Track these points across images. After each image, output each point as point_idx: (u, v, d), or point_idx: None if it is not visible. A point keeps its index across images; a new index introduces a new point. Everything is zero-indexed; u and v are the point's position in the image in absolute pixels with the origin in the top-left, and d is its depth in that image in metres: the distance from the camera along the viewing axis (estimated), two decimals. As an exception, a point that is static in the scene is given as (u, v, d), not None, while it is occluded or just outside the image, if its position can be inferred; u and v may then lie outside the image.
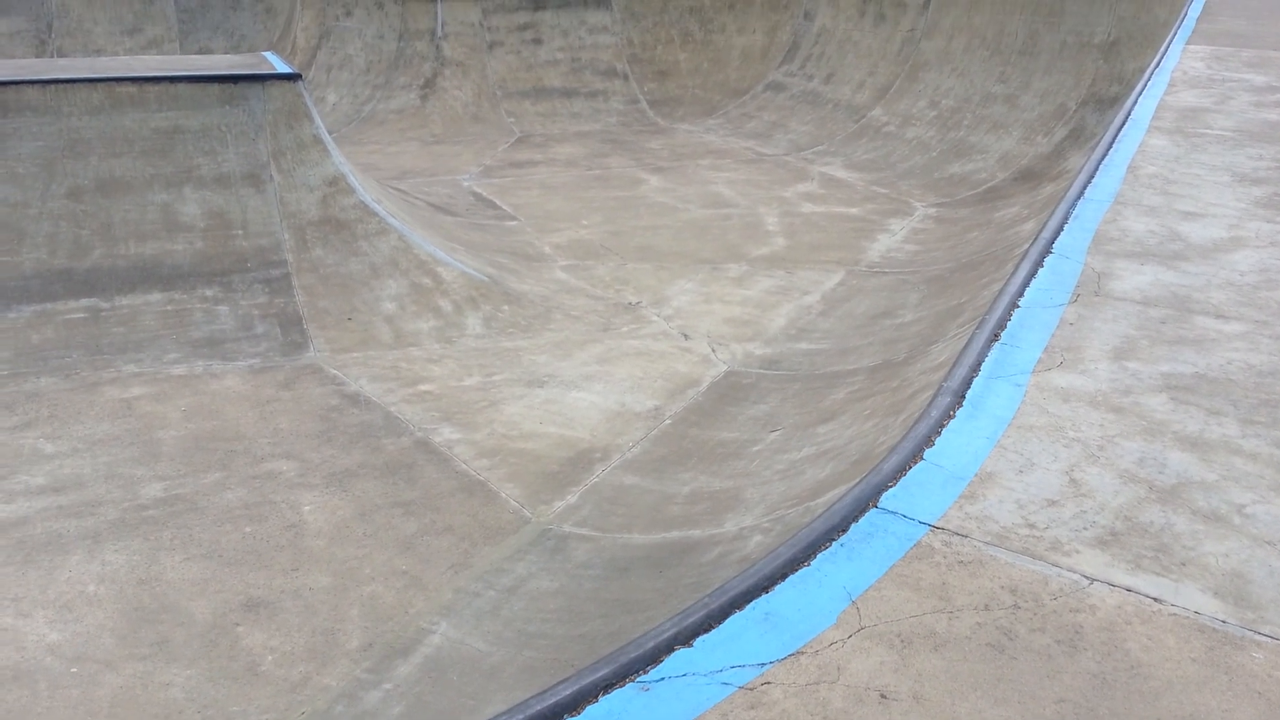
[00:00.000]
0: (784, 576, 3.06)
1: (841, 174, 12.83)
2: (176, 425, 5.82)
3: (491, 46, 17.50)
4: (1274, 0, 14.07)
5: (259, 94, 8.37)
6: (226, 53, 19.46)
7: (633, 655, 2.74)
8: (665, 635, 2.81)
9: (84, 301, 7.19)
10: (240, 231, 7.83)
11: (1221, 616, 2.80)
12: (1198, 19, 11.55)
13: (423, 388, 6.37)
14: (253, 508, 4.96)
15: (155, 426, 5.80)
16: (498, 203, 11.31)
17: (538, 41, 17.81)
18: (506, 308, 7.70)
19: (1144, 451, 3.63)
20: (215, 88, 8.28)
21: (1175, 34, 10.74)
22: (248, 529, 4.77)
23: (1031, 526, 3.22)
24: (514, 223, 10.44)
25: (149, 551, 4.57)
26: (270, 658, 3.91)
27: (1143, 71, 9.71)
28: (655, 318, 7.70)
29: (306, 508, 4.97)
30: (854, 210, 10.98)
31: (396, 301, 7.57)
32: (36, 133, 7.75)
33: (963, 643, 2.70)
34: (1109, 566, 3.02)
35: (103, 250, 7.49)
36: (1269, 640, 2.71)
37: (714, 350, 7.05)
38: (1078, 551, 3.09)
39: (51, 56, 19.28)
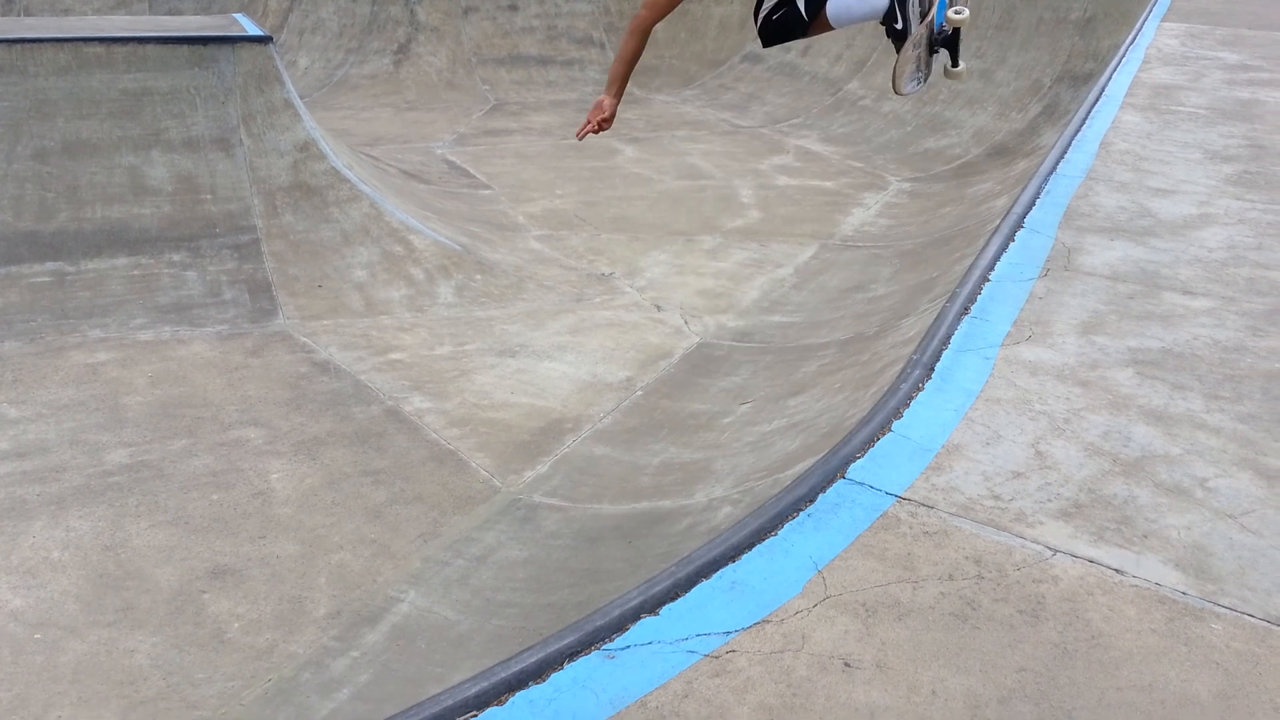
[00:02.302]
0: (751, 546, 3.07)
1: (817, 147, 12.81)
2: (143, 391, 5.75)
3: (467, 12, 17.30)
4: (1249, -21, 14.14)
5: (229, 56, 8.23)
6: (196, 14, 19.10)
7: (599, 624, 2.74)
8: (632, 604, 2.82)
9: (49, 265, 7.08)
10: (209, 196, 7.72)
11: (1182, 588, 2.84)
12: (1173, -4, 11.61)
13: (393, 356, 6.33)
14: (220, 475, 4.92)
15: (121, 392, 5.73)
16: (471, 171, 11.22)
17: (514, 8, 17.62)
18: (479, 277, 7.66)
19: (1109, 425, 3.67)
20: (184, 49, 8.13)
21: (1150, 11, 10.78)
22: (214, 496, 4.74)
23: (997, 498, 3.25)
24: (487, 191, 10.36)
25: (114, 518, 4.53)
26: (236, 625, 3.89)
27: (1118, 48, 9.74)
28: (628, 289, 7.68)
29: (274, 475, 4.94)
30: (828, 184, 10.97)
31: (368, 269, 7.50)
32: (2, 93, 7.58)
33: (926, 612, 2.72)
34: (1072, 538, 3.05)
35: (69, 213, 7.36)
36: (1228, 612, 2.74)
37: (686, 322, 7.05)
38: (1041, 523, 3.12)
39: (18, 15, 18.87)
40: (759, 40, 4.38)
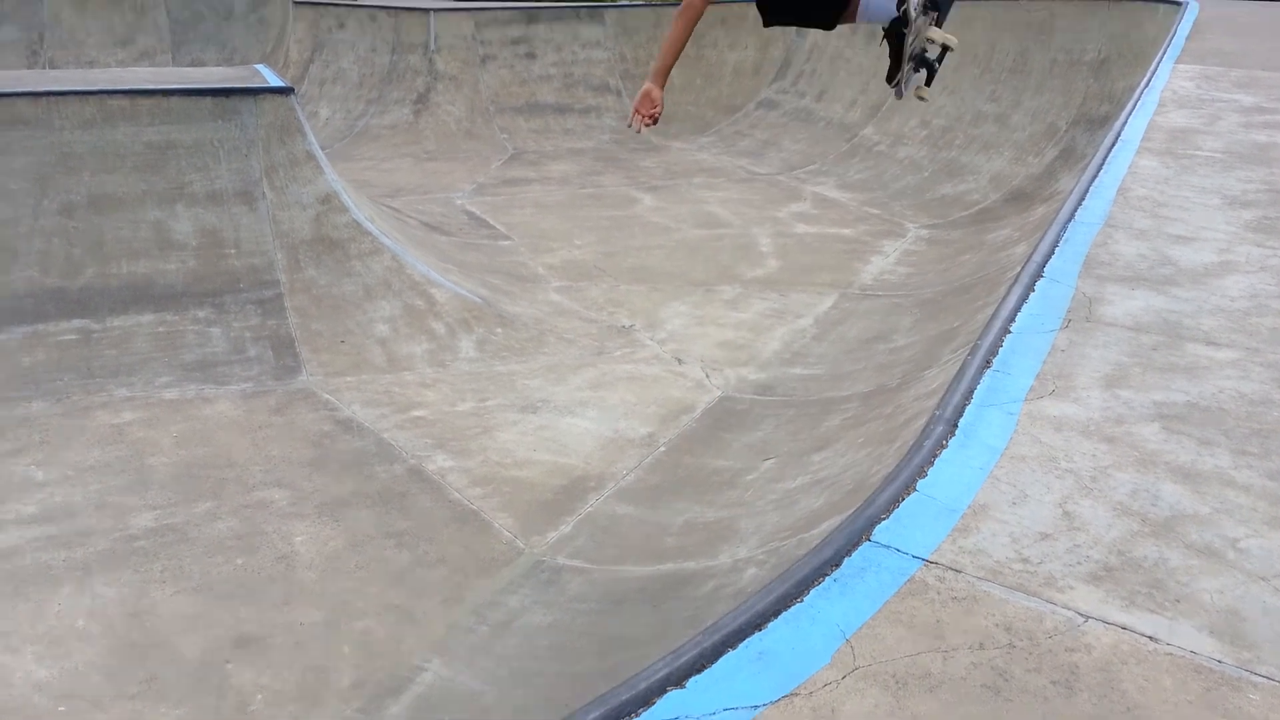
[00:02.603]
0: (777, 613, 3.04)
1: (834, 194, 12.86)
2: (168, 452, 5.79)
3: (484, 60, 17.53)
4: (1261, 19, 14.17)
5: (251, 108, 8.34)
6: (219, 65, 19.45)
7: (624, 697, 2.71)
8: (658, 676, 2.79)
9: (76, 322, 7.15)
10: (233, 250, 7.80)
11: (1217, 656, 2.79)
12: (1187, 37, 11.60)
13: (416, 413, 6.35)
14: (244, 538, 4.93)
15: (146, 453, 5.77)
16: (491, 221, 11.31)
17: (531, 56, 17.84)
18: (500, 330, 7.69)
19: (1137, 483, 3.62)
20: (208, 101, 8.23)
21: (1165, 52, 10.79)
22: (239, 561, 4.75)
23: (1025, 561, 3.21)
24: (507, 242, 10.44)
25: (139, 584, 4.55)
26: (260, 696, 3.88)
27: (1133, 90, 9.75)
28: (649, 341, 7.69)
29: (299, 538, 4.95)
30: (847, 231, 11.00)
31: (389, 324, 7.55)
32: (29, 146, 7.67)
33: (958, 684, 2.68)
34: (1103, 603, 3.01)
35: (95, 269, 7.45)
36: (1265, 681, 2.69)
37: (708, 375, 7.05)
38: (1072, 588, 3.08)
39: (43, 68, 19.25)
40: (760, 17, 4.39)
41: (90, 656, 4.07)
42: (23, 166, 7.59)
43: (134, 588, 4.52)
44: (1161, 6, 12.71)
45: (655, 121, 4.34)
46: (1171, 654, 2.79)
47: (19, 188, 7.55)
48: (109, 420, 6.18)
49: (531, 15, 18.46)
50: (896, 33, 4.20)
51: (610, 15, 18.95)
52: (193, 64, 19.81)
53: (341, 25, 18.80)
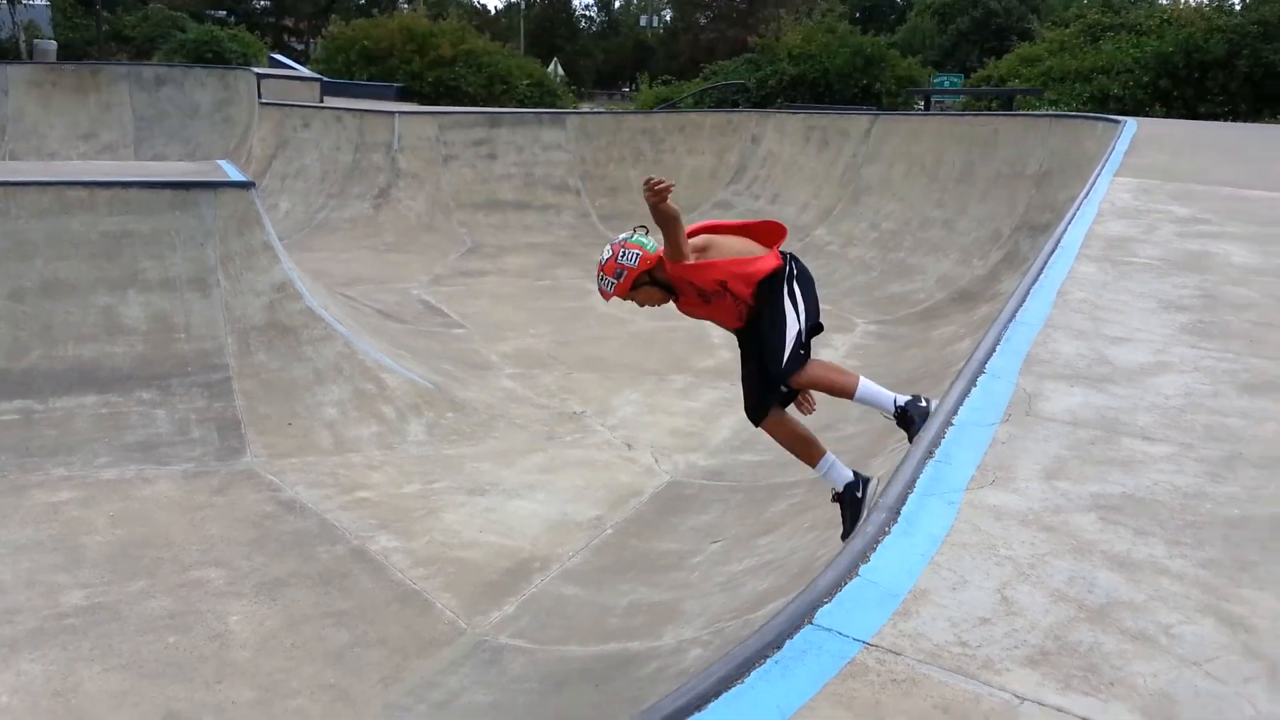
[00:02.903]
0: (717, 694, 3.01)
1: (786, 291, 13.08)
2: (103, 531, 5.67)
3: (446, 160, 17.82)
4: (1195, 135, 14.82)
5: (210, 200, 8.40)
6: (182, 160, 19.59)
7: (562, 775, 2.68)
8: (596, 755, 2.76)
9: (17, 403, 7.04)
10: (183, 335, 7.77)
11: (1150, 738, 2.80)
12: (1125, 152, 12.10)
13: (361, 494, 6.29)
14: (177, 617, 4.81)
15: (80, 532, 5.64)
16: (446, 310, 11.36)
17: (492, 156, 18.18)
18: (450, 415, 7.68)
19: (1073, 570, 3.67)
20: (167, 193, 8.30)
21: (1103, 166, 11.23)
22: (171, 639, 4.62)
23: (964, 645, 3.22)
24: (461, 330, 10.49)
25: (67, 662, 4.40)
26: (186, 776, 3.75)
27: (1073, 200, 10.11)
28: (599, 427, 7.71)
29: (234, 618, 4.83)
30: (798, 326, 11.16)
31: (338, 407, 7.51)
32: (-17, 233, 7.68)
33: (896, 763, 2.67)
34: (1039, 686, 3.02)
35: (40, 351, 7.37)
36: (1196, 762, 2.71)
37: (657, 460, 7.07)
38: (1009, 670, 3.09)
39: (4, 159, 19.26)
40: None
41: (9, 735, 3.93)
42: (-25, 253, 7.57)
43: (61, 665, 4.37)
44: (1100, 124, 13.29)
45: (666, 195, 4.24)
46: (1106, 735, 2.81)
47: (-31, 272, 7.51)
48: (44, 499, 6.05)
49: (494, 119, 18.88)
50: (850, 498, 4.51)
51: (571, 120, 19.44)
52: (155, 158, 19.93)
53: (306, 125, 19.09)
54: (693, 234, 4.27)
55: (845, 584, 3.58)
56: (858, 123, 16.80)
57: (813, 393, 4.85)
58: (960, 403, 5.23)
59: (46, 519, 5.78)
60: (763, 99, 28.09)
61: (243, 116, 21.09)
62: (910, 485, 4.30)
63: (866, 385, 4.51)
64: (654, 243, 4.26)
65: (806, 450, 4.43)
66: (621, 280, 4.31)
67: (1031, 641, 3.24)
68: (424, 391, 7.93)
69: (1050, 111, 18.95)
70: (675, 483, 6.69)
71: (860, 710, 2.90)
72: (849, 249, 14.38)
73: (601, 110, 21.24)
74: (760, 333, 4.34)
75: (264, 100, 20.41)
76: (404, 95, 27.50)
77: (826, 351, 10.11)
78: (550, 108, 28.23)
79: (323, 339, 8.08)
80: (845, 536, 4.40)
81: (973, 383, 5.49)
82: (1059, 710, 2.91)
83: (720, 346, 10.13)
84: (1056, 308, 6.79)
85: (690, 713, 2.96)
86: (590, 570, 5.45)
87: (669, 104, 28.74)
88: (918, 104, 28.09)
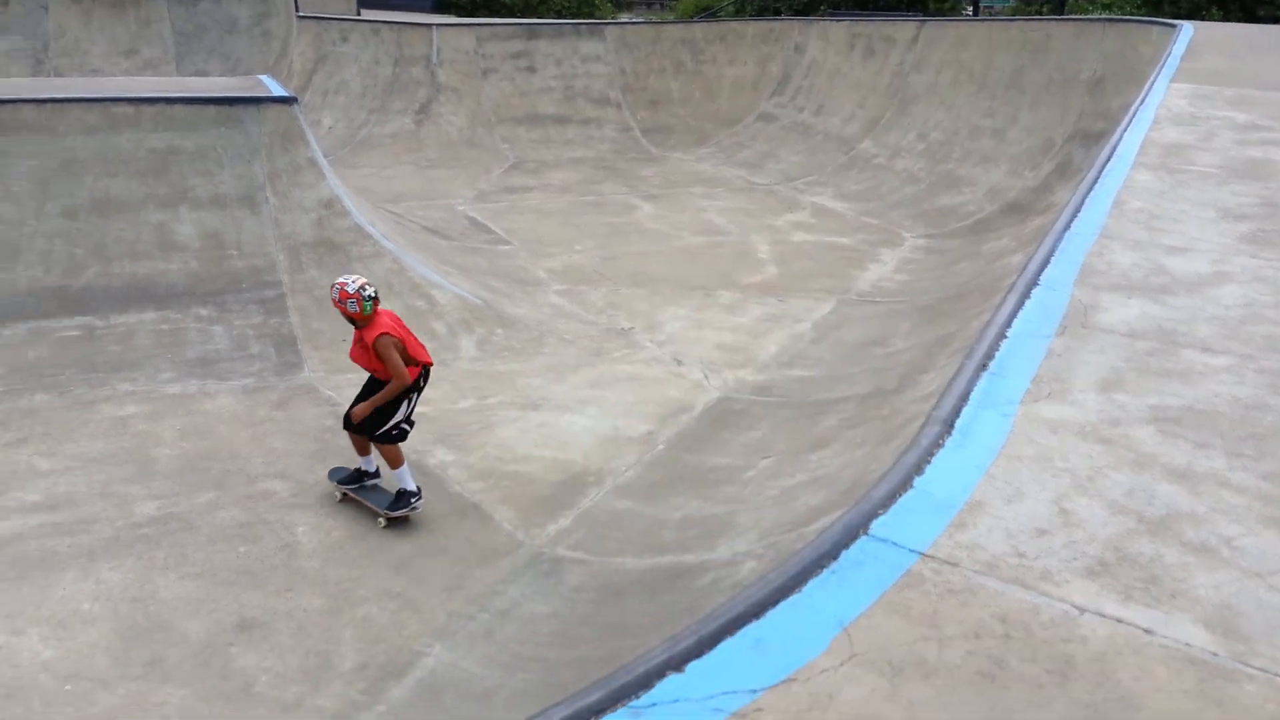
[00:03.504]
0: (775, 603, 3.06)
1: (832, 204, 12.94)
2: (171, 444, 5.82)
3: (486, 73, 17.63)
4: (1253, 40, 14.29)
5: (254, 116, 8.42)
6: (223, 76, 19.53)
7: (624, 680, 2.74)
8: (657, 660, 2.82)
9: (78, 319, 7.20)
10: (235, 252, 7.86)
11: (1212, 649, 2.82)
12: (1181, 57, 11.71)
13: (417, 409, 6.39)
14: (247, 527, 4.97)
15: (149, 445, 5.81)
16: (492, 227, 11.37)
17: (531, 69, 17.95)
18: (500, 331, 7.74)
19: (1133, 483, 3.67)
20: (211, 109, 8.33)
21: (1159, 71, 10.89)
22: (242, 549, 4.78)
23: (1021, 556, 3.25)
24: (508, 247, 10.50)
25: (143, 570, 4.58)
26: (264, 678, 3.91)
27: (1128, 108, 9.85)
28: (648, 343, 7.75)
29: (300, 528, 4.98)
30: (844, 240, 11.07)
31: (390, 324, 7.59)
32: (32, 151, 7.77)
33: (953, 671, 2.72)
34: (1099, 597, 3.05)
35: (97, 269, 7.50)
36: (1259, 673, 2.73)
37: (706, 376, 7.10)
38: (1068, 581, 3.12)
39: (48, 76, 19.30)
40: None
41: (95, 638, 4.11)
42: (26, 170, 7.69)
43: (138, 573, 4.55)
44: (1156, 28, 12.84)
45: None
46: (1166, 646, 2.83)
47: (22, 190, 7.62)
48: (112, 413, 6.21)
49: (532, 31, 18.59)
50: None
51: (611, 31, 19.09)
52: (196, 74, 19.89)
53: (345, 39, 18.91)
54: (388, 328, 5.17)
55: (900, 495, 3.61)
56: (904, 29, 16.35)
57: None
58: (1014, 314, 5.19)
59: (116, 432, 5.94)
60: (806, 6, 27.37)
61: (280, 30, 20.94)
62: (964, 398, 4.31)
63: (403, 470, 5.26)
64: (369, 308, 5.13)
65: (394, 455, 5.23)
66: (347, 307, 5.12)
67: (1090, 553, 3.26)
68: (474, 308, 7.98)
69: (1104, 15, 18.31)
70: (725, 398, 6.73)
71: (917, 620, 2.94)
72: (896, 160, 14.13)
73: (640, 20, 20.84)
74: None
75: (301, 13, 20.21)
76: (440, 7, 27.12)
77: (875, 267, 10.03)
78: (588, 18, 27.73)
79: (372, 255, 8.13)
80: (336, 484, 5.39)
81: (1026, 295, 5.44)
82: (1119, 621, 2.94)
83: (768, 262, 10.07)
84: (1112, 218, 6.68)
85: (748, 621, 3.02)
86: (643, 484, 5.53)
87: (709, 12, 28.11)
88: (966, 9, 27.24)
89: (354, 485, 5.34)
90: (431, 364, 5.33)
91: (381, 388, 5.14)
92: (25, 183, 7.66)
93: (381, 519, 5.11)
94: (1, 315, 7.04)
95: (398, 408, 5.16)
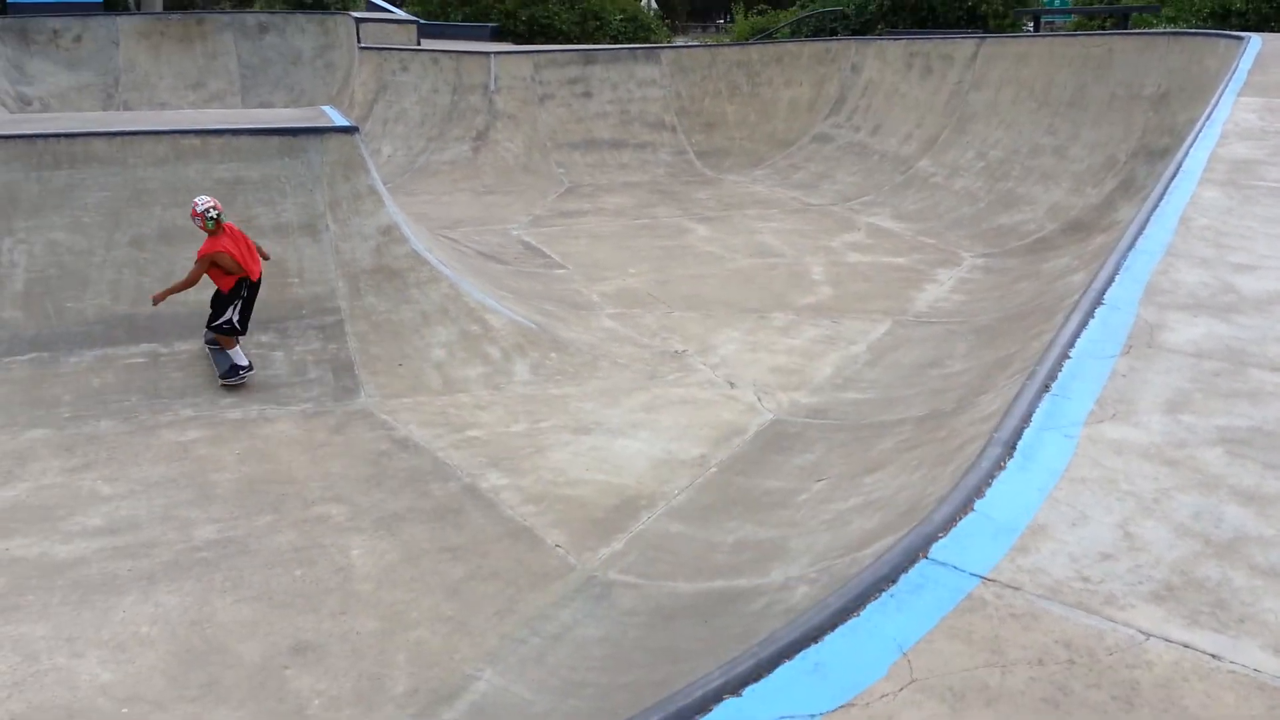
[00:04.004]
0: (833, 627, 3.02)
1: (888, 224, 12.83)
2: (231, 468, 5.92)
3: (543, 99, 17.81)
4: (1328, 51, 13.92)
5: (317, 146, 8.59)
6: (287, 107, 19.98)
7: (681, 704, 2.72)
8: (714, 684, 2.79)
9: (144, 346, 7.38)
10: (296, 279, 8.00)
11: (1282, 675, 2.73)
12: (1249, 71, 11.45)
13: (471, 433, 6.43)
14: (303, 551, 5.02)
15: (210, 469, 5.91)
16: (546, 251, 11.45)
17: (588, 95, 18.11)
18: (554, 355, 7.77)
19: (1200, 505, 3.56)
20: (275, 140, 8.52)
21: (1226, 86, 10.65)
22: (298, 572, 4.83)
23: (1085, 580, 3.17)
24: (562, 271, 10.56)
25: (201, 593, 4.64)
26: (317, 701, 3.93)
27: (1193, 123, 9.64)
28: (701, 366, 7.72)
29: (355, 551, 5.02)
30: (901, 260, 10.96)
31: (446, 348, 7.67)
32: (103, 183, 8.01)
33: (1016, 697, 2.65)
34: (1165, 621, 2.96)
35: (164, 297, 7.67)
36: (1333, 701, 2.63)
37: (760, 399, 7.05)
38: (1133, 606, 3.03)
39: (118, 109, 19.91)
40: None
41: (153, 661, 4.16)
42: (97, 201, 7.92)
43: (196, 596, 4.61)
44: (1223, 41, 12.56)
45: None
46: (1235, 672, 2.74)
47: (92, 221, 7.85)
48: (174, 438, 6.34)
49: (589, 57, 18.75)
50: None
51: (666, 55, 19.20)
52: (261, 106, 20.37)
53: (405, 68, 19.26)
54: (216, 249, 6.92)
55: (960, 519, 3.54)
56: (963, 47, 16.21)
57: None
58: (1078, 334, 5.09)
59: (177, 457, 6.06)
60: (862, 26, 27.28)
61: (343, 61, 21.38)
62: (1026, 419, 4.22)
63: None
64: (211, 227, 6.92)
65: (227, 341, 7.11)
66: (194, 222, 6.99)
67: (1156, 577, 3.17)
68: (527, 332, 8.03)
69: (1168, 29, 17.99)
70: (778, 421, 6.67)
71: (979, 644, 2.88)
72: (954, 180, 13.98)
73: (696, 44, 20.91)
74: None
75: (363, 45, 20.63)
76: (498, 35, 27.49)
77: (932, 287, 9.91)
78: (644, 43, 27.93)
79: (428, 281, 8.22)
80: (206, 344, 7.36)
81: (1090, 314, 5.33)
82: (1185, 646, 2.85)
83: (821, 283, 10.00)
84: (1178, 235, 6.53)
85: (806, 645, 2.98)
86: (696, 508, 5.49)
87: (765, 34, 28.14)
88: (1026, 25, 26.94)
89: (213, 347, 7.18)
90: (253, 279, 7.02)
91: (220, 289, 6.97)
92: (96, 214, 7.89)
93: (221, 382, 6.95)
94: (71, 343, 7.24)
95: (224, 310, 6.96)
